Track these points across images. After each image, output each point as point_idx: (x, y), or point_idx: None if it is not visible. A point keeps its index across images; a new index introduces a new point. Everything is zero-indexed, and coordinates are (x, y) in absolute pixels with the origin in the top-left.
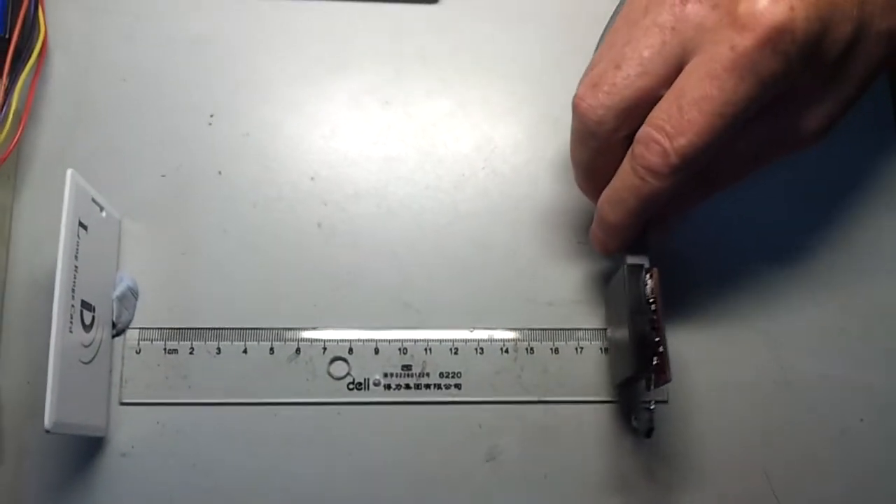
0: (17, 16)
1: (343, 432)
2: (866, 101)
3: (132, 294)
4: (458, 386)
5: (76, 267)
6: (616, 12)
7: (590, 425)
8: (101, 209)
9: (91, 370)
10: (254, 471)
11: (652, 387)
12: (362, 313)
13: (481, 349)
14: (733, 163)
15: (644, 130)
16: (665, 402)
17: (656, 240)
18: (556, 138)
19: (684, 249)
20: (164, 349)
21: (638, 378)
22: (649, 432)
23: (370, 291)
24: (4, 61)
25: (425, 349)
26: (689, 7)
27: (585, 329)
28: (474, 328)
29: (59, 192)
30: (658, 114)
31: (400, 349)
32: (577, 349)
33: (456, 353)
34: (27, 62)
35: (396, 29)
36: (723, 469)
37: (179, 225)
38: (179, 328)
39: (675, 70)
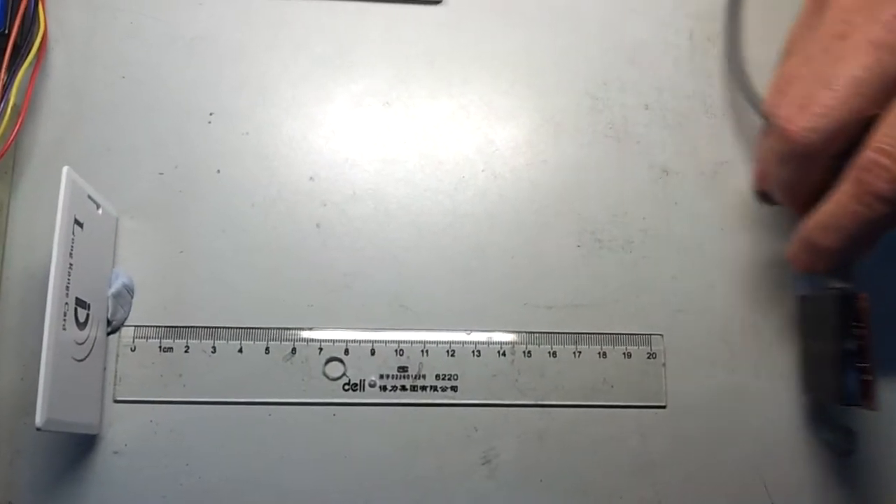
0: (17, 11)
1: (338, 433)
2: None
3: (128, 292)
4: (454, 388)
5: (71, 264)
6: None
7: (587, 430)
8: (98, 206)
9: (85, 368)
10: (248, 471)
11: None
12: (359, 314)
13: (478, 352)
14: None
15: (868, 156)
16: (663, 407)
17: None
18: (558, 141)
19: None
20: (160, 347)
21: (843, 405)
22: (849, 453)
23: (367, 292)
24: (3, 56)
25: (422, 351)
26: None
27: (583, 333)
28: (471, 331)
29: (56, 188)
30: (881, 137)
31: (396, 351)
32: (574, 353)
33: (452, 355)
34: (26, 57)
35: (399, 30)
36: (719, 477)
37: (177, 223)
38: (175, 326)
39: (891, 90)
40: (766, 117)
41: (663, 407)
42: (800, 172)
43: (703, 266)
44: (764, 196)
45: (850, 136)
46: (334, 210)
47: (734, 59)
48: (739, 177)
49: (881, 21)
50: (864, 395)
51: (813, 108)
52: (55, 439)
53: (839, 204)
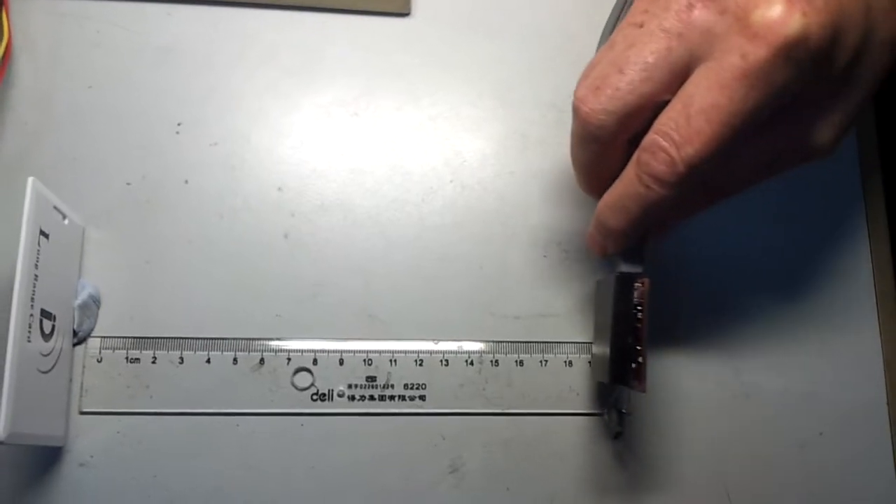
0: None
1: (306, 443)
2: None
3: (94, 302)
4: (422, 398)
5: (36, 275)
6: (613, 14)
7: (553, 438)
8: (64, 217)
9: (50, 379)
10: (216, 482)
11: (628, 394)
12: (327, 324)
13: (446, 361)
14: (742, 172)
15: (650, 138)
16: (628, 414)
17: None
18: (524, 153)
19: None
20: (126, 358)
21: (613, 384)
22: (617, 435)
23: (336, 303)
24: None
25: (390, 361)
26: (697, 13)
27: (550, 342)
28: (439, 340)
29: (21, 199)
30: (665, 121)
31: (365, 360)
32: (541, 362)
33: (421, 364)
34: None
35: (367, 41)
36: (683, 483)
37: (144, 233)
38: (142, 337)
39: (680, 76)
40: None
41: (628, 414)
42: (596, 155)
43: None
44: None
45: (645, 120)
46: (302, 220)
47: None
48: None
49: (673, 10)
50: (636, 377)
51: (605, 91)
52: (19, 452)
53: (623, 185)
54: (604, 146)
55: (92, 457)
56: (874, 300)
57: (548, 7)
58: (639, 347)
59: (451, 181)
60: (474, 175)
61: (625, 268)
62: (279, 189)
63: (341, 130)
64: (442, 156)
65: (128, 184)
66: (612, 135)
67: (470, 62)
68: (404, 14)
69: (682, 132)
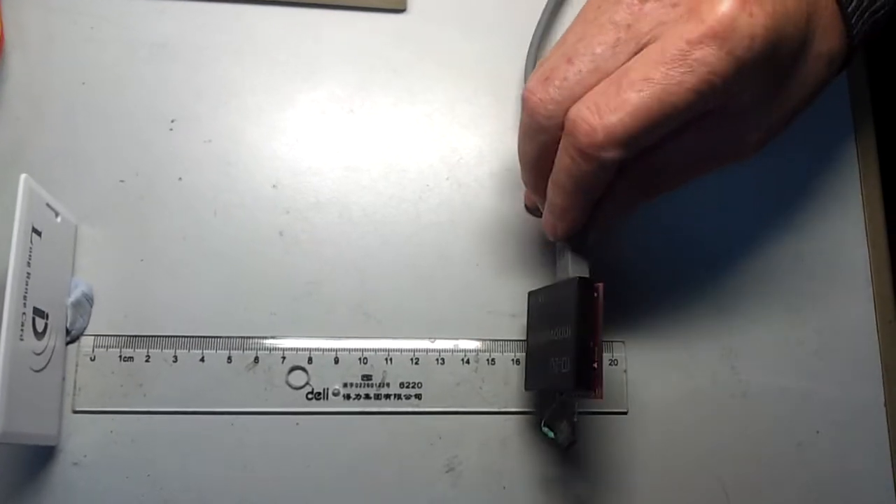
0: None
1: (301, 442)
2: (823, 113)
3: (87, 300)
4: (418, 396)
5: (29, 273)
6: (536, 34)
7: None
8: (57, 214)
9: (43, 378)
10: (210, 481)
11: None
12: (322, 322)
13: (442, 360)
14: (670, 170)
15: (575, 108)
16: (625, 413)
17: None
18: None
19: (641, 261)
20: (120, 356)
21: (576, 390)
22: (571, 444)
23: (331, 301)
24: None
25: (386, 359)
26: (648, 6)
27: None
28: (435, 338)
29: (14, 196)
30: (594, 93)
31: (360, 359)
32: None
33: (416, 363)
34: None
35: (363, 37)
36: (681, 481)
37: (138, 231)
38: (136, 335)
39: None
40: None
41: (625, 413)
42: (543, 147)
43: None
44: (534, 210)
45: None
46: (297, 218)
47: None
48: None
49: (625, 3)
50: (596, 384)
51: (553, 81)
52: (12, 451)
53: (557, 158)
54: (550, 138)
55: (85, 456)
56: (872, 300)
57: (542, 3)
58: (595, 352)
59: (447, 178)
60: (471, 172)
61: (573, 261)
62: (274, 186)
63: (336, 127)
64: (438, 153)
65: (121, 181)
66: (558, 126)
67: (466, 58)
68: (400, 10)
69: (608, 101)
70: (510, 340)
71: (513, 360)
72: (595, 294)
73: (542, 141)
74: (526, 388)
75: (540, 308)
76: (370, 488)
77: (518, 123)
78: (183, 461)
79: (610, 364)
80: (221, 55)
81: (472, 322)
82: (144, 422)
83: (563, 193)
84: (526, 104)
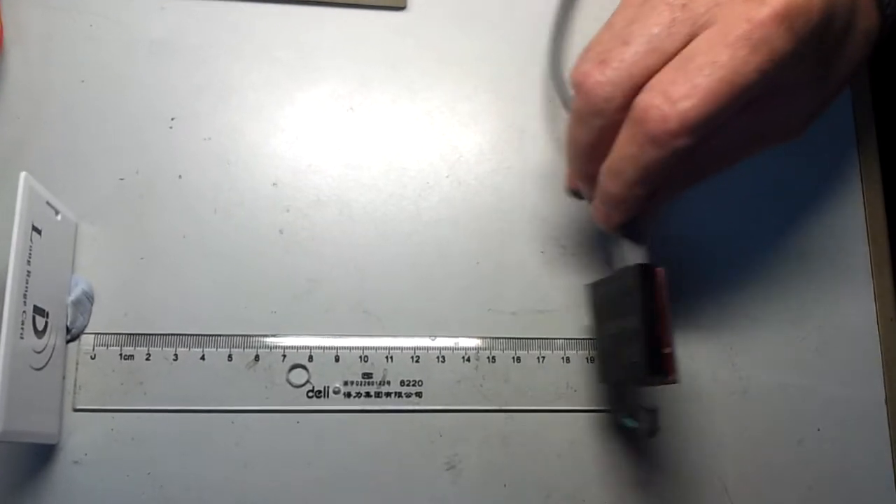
0: None
1: (302, 441)
2: (827, 112)
3: (87, 299)
4: (418, 394)
5: (29, 271)
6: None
7: (550, 434)
8: (57, 212)
9: (43, 376)
10: (210, 480)
11: (657, 385)
12: (323, 321)
13: (443, 357)
14: (723, 148)
15: (644, 95)
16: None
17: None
18: (521, 148)
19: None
20: (120, 355)
21: (650, 377)
22: (654, 432)
23: (332, 299)
24: None
25: (386, 357)
26: None
27: (547, 338)
28: (436, 336)
29: (14, 194)
30: (661, 78)
31: (360, 357)
32: (538, 358)
33: (417, 361)
34: None
35: (363, 35)
36: (681, 478)
37: (138, 229)
38: (136, 334)
39: (685, 47)
40: (572, 85)
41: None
42: (597, 133)
43: None
44: (576, 193)
45: None
46: (297, 216)
47: (556, 63)
48: None
49: None
50: (669, 369)
51: (611, 63)
52: (13, 450)
53: (619, 147)
54: (607, 122)
55: (86, 454)
56: (873, 298)
57: (544, 0)
58: (666, 337)
59: (447, 176)
60: (471, 170)
61: (629, 249)
62: (274, 184)
63: (337, 125)
64: (438, 151)
65: (121, 179)
66: (617, 109)
67: (466, 56)
68: (400, 7)
69: (678, 88)
70: (510, 338)
71: (513, 357)
72: (657, 279)
73: (597, 126)
74: (601, 381)
75: (602, 299)
76: (371, 486)
77: (517, 125)
78: (183, 460)
79: None
80: (221, 53)
81: (473, 320)
82: (145, 420)
83: (621, 182)
84: (581, 87)
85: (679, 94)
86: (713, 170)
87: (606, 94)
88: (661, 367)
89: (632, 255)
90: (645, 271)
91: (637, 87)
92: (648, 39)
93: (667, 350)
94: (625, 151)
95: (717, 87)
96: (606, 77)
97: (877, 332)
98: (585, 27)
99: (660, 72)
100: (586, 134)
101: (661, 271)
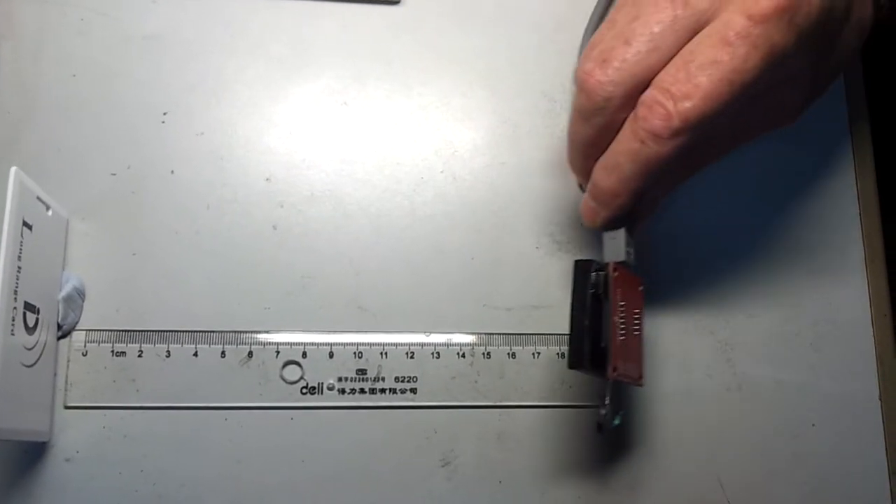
0: None
1: (296, 437)
2: (818, 106)
3: (78, 295)
4: (413, 391)
5: (19, 267)
6: (597, 10)
7: (545, 430)
8: (48, 208)
9: (34, 373)
10: (203, 477)
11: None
12: (317, 317)
13: (437, 354)
14: (720, 138)
15: (649, 93)
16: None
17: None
18: (516, 143)
19: (635, 254)
20: (112, 351)
21: (571, 367)
22: (601, 427)
23: (326, 294)
24: None
25: (381, 353)
26: None
27: (542, 334)
28: (431, 332)
29: (4, 189)
30: (664, 77)
31: (355, 353)
32: (533, 354)
33: (412, 357)
34: None
35: (357, 30)
36: (676, 473)
37: (130, 225)
38: (128, 330)
39: (688, 42)
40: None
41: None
42: (598, 130)
43: None
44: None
45: None
46: (291, 211)
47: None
48: None
49: None
50: (604, 364)
51: (612, 63)
52: (3, 448)
53: (619, 142)
54: (608, 120)
55: (78, 452)
56: (867, 294)
57: None
58: (606, 333)
59: (441, 171)
60: (466, 165)
61: (608, 242)
62: (267, 179)
63: (331, 120)
64: (433, 146)
65: (113, 174)
66: (618, 108)
67: (461, 51)
68: (394, 2)
69: (681, 87)
70: (505, 334)
71: (508, 353)
72: (608, 274)
73: (598, 123)
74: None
75: (575, 284)
76: (366, 483)
77: (511, 120)
78: (176, 456)
79: None
80: (214, 47)
81: (468, 316)
82: (137, 417)
83: (617, 178)
84: (583, 86)
85: (681, 93)
86: (708, 161)
87: (608, 93)
88: (580, 361)
89: (611, 253)
90: (580, 266)
91: (639, 86)
92: (650, 38)
93: (603, 344)
94: (624, 146)
95: (719, 87)
96: (608, 77)
97: (871, 329)
98: None
99: (663, 70)
100: (587, 130)
101: (610, 264)
